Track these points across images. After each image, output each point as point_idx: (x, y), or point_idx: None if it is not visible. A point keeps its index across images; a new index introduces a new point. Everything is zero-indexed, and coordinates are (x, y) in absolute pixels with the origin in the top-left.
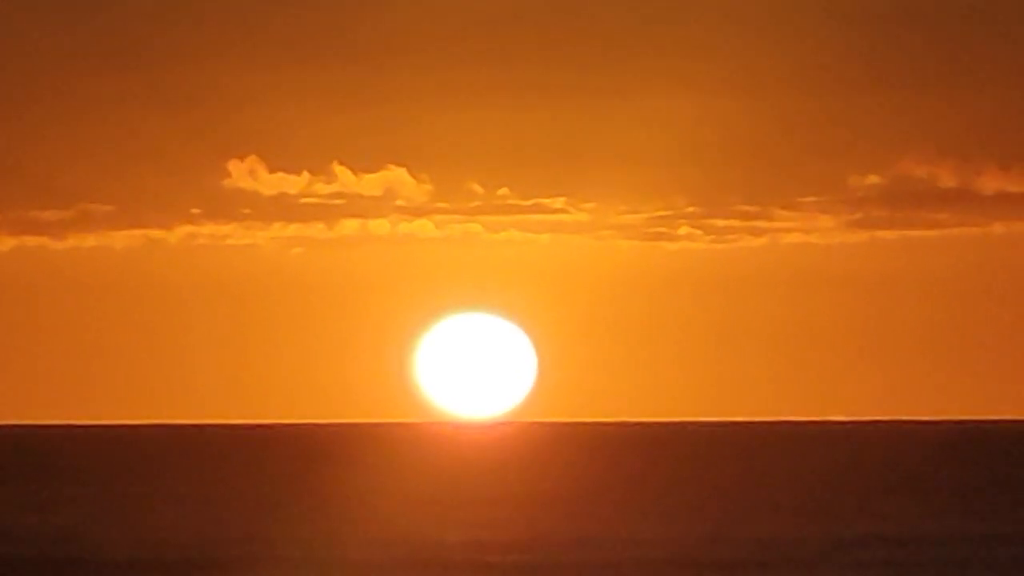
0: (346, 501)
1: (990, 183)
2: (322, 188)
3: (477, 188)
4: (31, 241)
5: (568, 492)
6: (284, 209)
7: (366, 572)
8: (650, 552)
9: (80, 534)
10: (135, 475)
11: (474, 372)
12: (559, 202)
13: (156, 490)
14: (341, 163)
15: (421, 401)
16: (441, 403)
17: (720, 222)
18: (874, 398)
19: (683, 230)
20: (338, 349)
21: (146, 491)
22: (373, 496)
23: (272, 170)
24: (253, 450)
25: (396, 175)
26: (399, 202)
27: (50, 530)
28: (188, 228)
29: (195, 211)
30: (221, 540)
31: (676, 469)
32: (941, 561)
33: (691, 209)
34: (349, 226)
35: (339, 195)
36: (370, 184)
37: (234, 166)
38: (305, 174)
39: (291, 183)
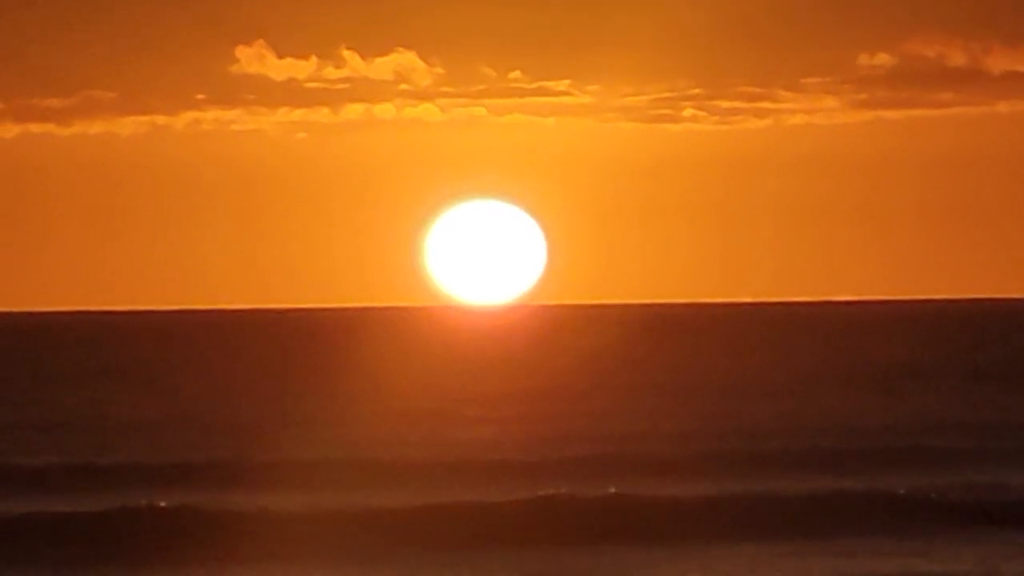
0: (356, 386)
1: (998, 62)
2: (331, 73)
3: (489, 72)
4: (36, 128)
5: (577, 377)
6: (289, 94)
7: (381, 461)
8: (661, 435)
9: (85, 423)
10: (141, 362)
11: (480, 255)
12: (563, 85)
13: (163, 377)
14: (350, 48)
15: (427, 285)
16: (446, 287)
17: (724, 103)
18: (879, 278)
19: (687, 112)
20: (344, 233)
21: (153, 378)
22: (384, 379)
23: (281, 55)
24: (259, 335)
25: (406, 59)
26: (403, 86)
27: (59, 420)
28: (193, 114)
29: (200, 96)
30: (229, 427)
31: (682, 350)
32: (937, 449)
33: (695, 91)
34: (354, 110)
35: (347, 80)
36: (380, 68)
37: (241, 52)
38: (314, 59)
39: (300, 68)
